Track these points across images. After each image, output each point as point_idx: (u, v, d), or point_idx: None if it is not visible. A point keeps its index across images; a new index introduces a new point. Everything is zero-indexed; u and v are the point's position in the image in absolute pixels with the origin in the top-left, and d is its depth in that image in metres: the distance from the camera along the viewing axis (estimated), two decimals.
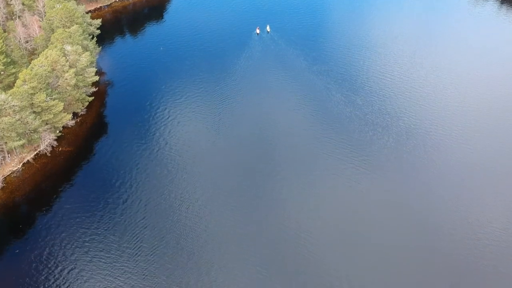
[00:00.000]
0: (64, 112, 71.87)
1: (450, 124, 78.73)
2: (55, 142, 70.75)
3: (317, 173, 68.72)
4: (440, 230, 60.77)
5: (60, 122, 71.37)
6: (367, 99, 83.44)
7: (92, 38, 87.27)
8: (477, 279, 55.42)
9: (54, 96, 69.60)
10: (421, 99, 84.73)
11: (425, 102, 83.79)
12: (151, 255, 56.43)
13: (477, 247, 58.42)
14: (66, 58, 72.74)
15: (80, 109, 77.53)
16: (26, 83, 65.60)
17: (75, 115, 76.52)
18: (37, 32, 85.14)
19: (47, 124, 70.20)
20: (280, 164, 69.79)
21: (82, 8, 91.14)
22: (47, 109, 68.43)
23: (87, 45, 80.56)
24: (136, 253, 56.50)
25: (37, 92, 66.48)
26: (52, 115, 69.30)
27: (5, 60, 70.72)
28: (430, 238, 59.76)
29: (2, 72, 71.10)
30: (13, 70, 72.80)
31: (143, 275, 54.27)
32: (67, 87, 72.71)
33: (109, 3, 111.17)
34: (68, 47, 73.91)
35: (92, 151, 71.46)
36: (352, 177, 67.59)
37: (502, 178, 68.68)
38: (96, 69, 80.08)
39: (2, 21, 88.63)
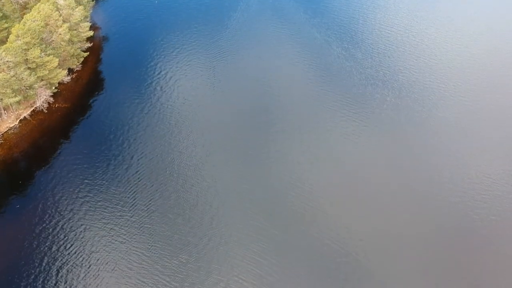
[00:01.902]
0: (59, 68, 70.98)
1: (450, 78, 77.62)
2: (51, 99, 70.20)
3: (315, 127, 68.44)
4: (439, 184, 60.94)
5: (56, 78, 70.70)
6: (367, 53, 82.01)
7: None
8: (479, 232, 56.16)
9: (48, 52, 68.59)
10: (422, 52, 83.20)
11: (426, 56, 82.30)
12: (151, 205, 57.09)
13: (476, 200, 58.80)
14: (59, 12, 71.18)
15: (76, 65, 76.59)
16: (20, 38, 64.52)
17: (70, 71, 75.60)
18: None
19: (42, 80, 69.51)
20: (278, 118, 69.47)
21: None
22: (42, 65, 67.60)
23: None
24: (135, 203, 57.24)
25: (31, 48, 65.46)
26: (47, 71, 68.53)
27: None
28: (429, 191, 60.04)
29: None
30: (6, 25, 71.44)
31: (143, 223, 55.21)
32: (61, 43, 71.54)
33: None
34: (61, 1, 72.07)
35: (88, 106, 71.06)
36: (351, 131, 67.33)
37: (503, 132, 68.50)
38: (90, 24, 78.66)
39: None
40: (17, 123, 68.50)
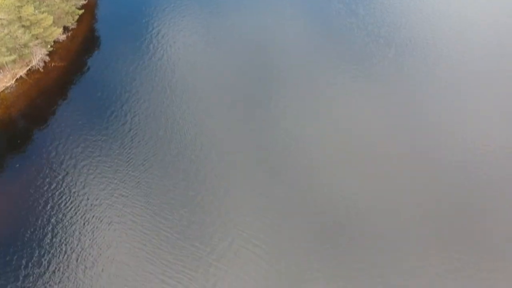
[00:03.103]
0: (54, 26, 69.49)
1: (454, 36, 76.23)
2: (47, 57, 68.91)
3: (314, 83, 67.57)
4: (440, 143, 60.55)
5: (51, 37, 69.35)
6: (369, 9, 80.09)
7: None
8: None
9: (42, 9, 66.98)
10: (425, 8, 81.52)
11: (429, 12, 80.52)
12: (150, 160, 57.11)
13: (479, 161, 58.47)
14: None
15: (71, 22, 74.88)
16: None
17: (65, 29, 73.95)
18: None
19: (37, 38, 68.20)
20: (277, 74, 68.54)
21: None
22: (36, 23, 66.13)
23: None
24: (135, 158, 57.31)
25: (24, 5, 63.95)
26: (42, 29, 67.12)
27: None
28: (429, 150, 59.71)
29: None
30: None
31: (143, 178, 55.34)
32: (55, 0, 69.98)
33: None
34: None
35: (85, 65, 70.01)
36: (351, 88, 66.60)
37: (506, 92, 67.82)
38: None
39: None
40: (13, 82, 67.66)
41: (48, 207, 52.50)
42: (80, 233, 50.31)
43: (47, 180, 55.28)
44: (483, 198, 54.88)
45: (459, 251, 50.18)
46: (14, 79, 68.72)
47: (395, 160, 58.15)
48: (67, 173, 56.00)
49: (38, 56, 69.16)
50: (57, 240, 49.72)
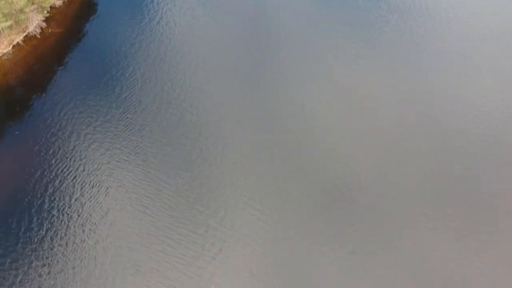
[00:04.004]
0: None
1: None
2: (44, 23, 67.58)
3: (316, 49, 66.57)
4: (441, 107, 59.87)
5: (47, 2, 68.05)
6: None
7: None
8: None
9: None
10: None
11: None
12: (152, 125, 56.74)
13: (483, 126, 58.01)
14: None
15: None
16: None
17: None
18: None
19: (33, 4, 66.94)
20: (278, 40, 67.40)
21: None
22: None
23: None
24: (136, 124, 56.83)
25: None
26: None
27: None
28: (432, 116, 59.05)
29: None
30: None
31: (145, 142, 55.06)
32: None
33: None
34: None
35: (82, 31, 68.86)
36: (354, 54, 65.64)
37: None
38: None
39: None
40: (10, 48, 66.64)
41: (48, 173, 52.29)
42: (80, 198, 50.25)
43: (47, 146, 54.93)
44: (486, 162, 54.74)
45: (458, 213, 50.24)
46: (11, 46, 67.63)
47: (397, 125, 57.73)
48: (67, 139, 55.61)
49: (35, 22, 67.90)
50: (58, 205, 49.68)
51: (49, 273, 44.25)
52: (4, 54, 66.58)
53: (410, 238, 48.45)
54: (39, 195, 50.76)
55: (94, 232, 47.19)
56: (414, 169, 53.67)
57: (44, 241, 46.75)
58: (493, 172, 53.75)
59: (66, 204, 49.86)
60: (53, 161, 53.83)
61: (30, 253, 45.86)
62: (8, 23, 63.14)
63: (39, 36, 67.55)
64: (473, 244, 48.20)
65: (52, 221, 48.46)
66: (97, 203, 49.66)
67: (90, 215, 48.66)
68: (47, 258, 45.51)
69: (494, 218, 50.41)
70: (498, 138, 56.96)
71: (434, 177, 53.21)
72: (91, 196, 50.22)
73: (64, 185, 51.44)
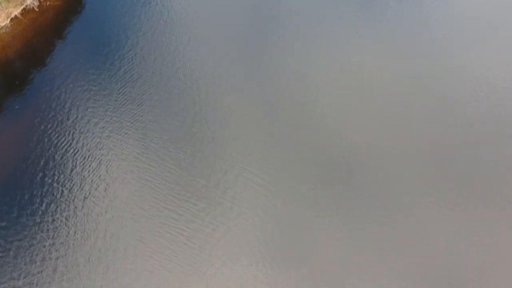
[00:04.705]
0: None
1: None
2: None
3: (318, 20, 65.87)
4: (447, 79, 59.36)
5: None
6: None
7: None
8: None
9: None
10: None
11: None
12: (154, 99, 56.33)
13: (486, 100, 57.55)
14: None
15: None
16: None
17: None
18: None
19: None
20: (279, 14, 66.54)
21: None
22: None
23: None
24: (137, 97, 56.41)
25: None
26: None
27: None
28: (435, 89, 58.59)
29: None
30: None
31: (147, 116, 54.91)
32: None
33: None
34: None
35: (81, 4, 67.67)
36: (356, 29, 64.82)
37: None
38: None
39: None
40: (8, 22, 65.78)
41: (49, 147, 52.19)
42: (82, 171, 50.29)
43: (47, 120, 54.64)
44: (489, 134, 54.61)
45: (459, 186, 50.34)
46: (9, 19, 66.74)
47: (400, 97, 57.50)
48: (67, 113, 55.35)
49: None
50: (59, 179, 49.72)
51: (52, 244, 44.56)
52: (2, 28, 65.78)
53: (409, 210, 48.61)
54: (40, 169, 50.74)
55: (97, 205, 47.37)
56: (414, 141, 53.62)
57: (47, 214, 46.95)
58: (496, 144, 53.77)
59: (67, 177, 49.92)
60: (54, 134, 53.68)
61: (33, 225, 46.13)
62: None
63: (37, 9, 66.59)
64: (473, 217, 48.45)
65: (54, 194, 48.57)
66: (99, 176, 49.71)
67: (92, 188, 48.78)
68: (49, 230, 45.76)
69: (495, 191, 50.62)
70: (502, 110, 56.89)
71: (435, 149, 53.13)
72: (92, 169, 50.24)
73: (65, 158, 51.42)
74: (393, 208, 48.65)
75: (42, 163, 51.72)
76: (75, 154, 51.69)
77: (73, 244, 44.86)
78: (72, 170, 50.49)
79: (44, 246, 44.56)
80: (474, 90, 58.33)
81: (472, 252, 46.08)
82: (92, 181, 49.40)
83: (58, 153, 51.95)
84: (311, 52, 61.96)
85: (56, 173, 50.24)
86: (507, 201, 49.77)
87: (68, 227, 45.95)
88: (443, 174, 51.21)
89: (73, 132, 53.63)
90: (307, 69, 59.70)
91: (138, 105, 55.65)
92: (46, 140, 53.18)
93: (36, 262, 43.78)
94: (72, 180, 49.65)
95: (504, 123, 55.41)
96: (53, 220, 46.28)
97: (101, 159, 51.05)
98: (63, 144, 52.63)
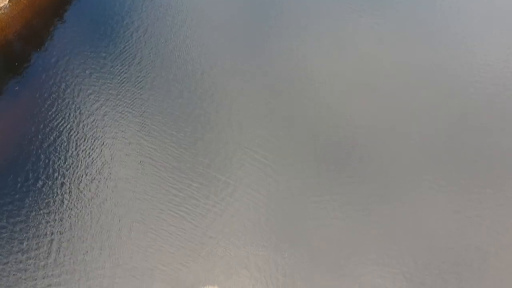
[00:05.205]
0: None
1: None
2: None
3: (319, 2, 65.22)
4: (449, 59, 57.93)
5: None
6: None
7: None
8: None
9: None
10: None
11: None
12: (155, 81, 55.53)
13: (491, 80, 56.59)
14: None
15: None
16: None
17: None
18: None
19: None
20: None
21: None
22: None
23: None
24: (139, 78, 55.76)
25: None
26: None
27: None
28: (438, 66, 57.22)
29: None
30: None
31: (148, 95, 54.38)
32: None
33: None
34: None
35: None
36: (359, 9, 63.70)
37: None
38: None
39: None
40: (7, 3, 65.16)
41: (49, 128, 51.89)
42: (83, 150, 50.09)
43: (47, 101, 54.32)
44: (497, 118, 54.37)
45: (460, 166, 49.81)
46: (7, 0, 66.65)
47: (403, 77, 56.76)
48: (68, 93, 55.12)
49: None
50: (59, 158, 49.47)
51: (54, 220, 44.51)
52: (0, 9, 65.40)
53: (410, 191, 48.18)
54: (41, 149, 50.56)
55: (99, 182, 47.26)
56: (417, 122, 53.24)
57: (48, 192, 46.75)
58: (500, 126, 53.58)
59: (68, 156, 49.75)
60: (54, 115, 53.40)
61: (33, 202, 46.04)
62: None
63: None
64: (476, 197, 48.27)
65: (54, 173, 48.41)
66: (99, 156, 49.54)
67: (93, 167, 48.67)
68: (51, 207, 45.65)
69: (498, 172, 50.52)
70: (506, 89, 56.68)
71: (438, 129, 52.82)
72: (93, 148, 50.07)
73: (65, 139, 51.22)
74: (394, 188, 48.44)
75: (42, 144, 51.50)
76: (75, 135, 51.50)
77: (75, 220, 44.78)
78: (73, 149, 50.32)
79: (48, 222, 44.01)
80: (478, 73, 57.89)
81: (475, 232, 46.07)
82: (93, 159, 49.23)
83: (58, 134, 51.76)
84: (313, 33, 61.37)
85: (56, 154, 50.04)
86: (510, 183, 49.85)
87: (70, 203, 45.73)
88: (445, 155, 50.82)
89: (74, 113, 53.38)
90: (308, 50, 59.29)
91: (137, 84, 55.18)
92: (46, 121, 52.93)
93: (32, 239, 43.74)
94: (73, 159, 49.48)
95: (509, 105, 55.26)
96: (52, 200, 46.09)
97: (100, 139, 50.80)
98: (63, 125, 52.39)
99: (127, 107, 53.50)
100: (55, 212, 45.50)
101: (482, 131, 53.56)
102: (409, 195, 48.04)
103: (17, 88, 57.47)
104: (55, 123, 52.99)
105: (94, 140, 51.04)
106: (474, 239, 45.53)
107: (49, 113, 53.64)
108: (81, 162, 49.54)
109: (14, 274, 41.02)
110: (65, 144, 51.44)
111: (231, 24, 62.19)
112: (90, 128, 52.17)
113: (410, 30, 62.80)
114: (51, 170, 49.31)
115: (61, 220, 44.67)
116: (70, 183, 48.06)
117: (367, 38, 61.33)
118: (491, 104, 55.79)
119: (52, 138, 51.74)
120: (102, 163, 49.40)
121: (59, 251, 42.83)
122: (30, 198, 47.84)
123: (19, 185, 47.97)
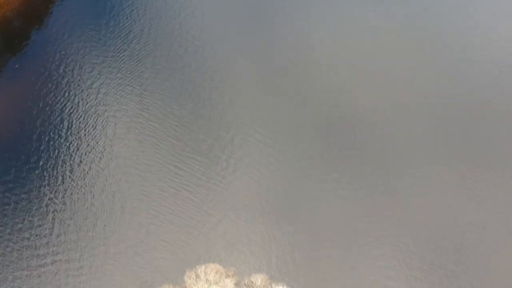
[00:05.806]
0: None
1: None
2: None
3: None
4: (454, 43, 58.91)
5: None
6: None
7: None
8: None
9: None
10: None
11: None
12: (156, 62, 55.70)
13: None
14: None
15: None
16: None
17: None
18: None
19: None
20: None
21: None
22: None
23: None
24: (140, 56, 56.04)
25: None
26: None
27: None
28: (444, 51, 58.36)
29: None
30: None
31: (149, 73, 54.61)
32: None
33: None
34: None
35: None
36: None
37: None
38: None
39: None
40: None
41: (49, 104, 51.91)
42: (84, 128, 50.06)
43: (47, 78, 54.24)
44: (497, 101, 54.44)
45: (464, 149, 50.37)
46: None
47: (406, 61, 56.83)
48: (68, 70, 54.79)
49: None
50: (60, 135, 49.53)
51: (57, 196, 44.81)
52: None
53: (410, 171, 48.70)
54: (39, 126, 50.41)
55: (101, 159, 47.45)
56: (419, 102, 53.39)
57: (46, 170, 46.89)
58: (500, 108, 53.63)
59: (71, 133, 49.67)
60: (54, 92, 53.11)
61: (37, 179, 46.43)
62: None
63: None
64: (475, 177, 48.50)
65: (57, 150, 48.47)
66: (102, 132, 49.53)
67: (97, 143, 48.77)
68: (55, 183, 45.93)
69: (497, 153, 50.70)
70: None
71: (438, 110, 53.01)
72: (96, 125, 50.00)
73: (65, 115, 51.03)
74: (395, 168, 48.70)
75: (42, 120, 51.14)
76: (75, 111, 51.24)
77: (79, 196, 45.08)
78: (72, 127, 50.10)
79: (51, 199, 44.60)
80: (480, 54, 57.69)
81: (474, 210, 46.34)
82: (93, 136, 49.22)
83: (57, 110, 51.46)
84: (316, 12, 60.88)
85: (56, 130, 49.83)
86: (508, 163, 50.03)
87: (74, 180, 45.99)
88: (447, 136, 51.08)
89: (73, 90, 53.06)
90: (312, 31, 58.76)
91: (138, 62, 55.04)
92: (46, 97, 52.60)
93: (36, 215, 44.06)
94: (76, 136, 49.38)
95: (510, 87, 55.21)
96: (54, 178, 46.31)
97: (102, 116, 50.66)
98: (62, 101, 52.10)
99: (128, 85, 53.11)
100: (58, 189, 45.76)
101: (484, 114, 53.38)
102: (410, 173, 48.18)
103: (17, 65, 56.91)
104: (55, 100, 52.43)
105: (96, 117, 50.78)
106: (474, 216, 46.04)
107: (49, 90, 53.23)
108: (83, 139, 49.40)
109: (18, 250, 41.63)
110: (64, 120, 50.84)
111: (236, 6, 61.61)
112: (91, 106, 51.75)
113: (414, 10, 62.14)
114: (52, 147, 49.02)
115: (63, 197, 45.01)
116: (72, 161, 47.83)
117: (373, 19, 60.76)
118: (494, 87, 55.64)
119: (53, 114, 51.20)
120: (104, 140, 49.23)
121: (62, 227, 43.30)
122: (27, 174, 47.27)
123: (20, 162, 47.79)
